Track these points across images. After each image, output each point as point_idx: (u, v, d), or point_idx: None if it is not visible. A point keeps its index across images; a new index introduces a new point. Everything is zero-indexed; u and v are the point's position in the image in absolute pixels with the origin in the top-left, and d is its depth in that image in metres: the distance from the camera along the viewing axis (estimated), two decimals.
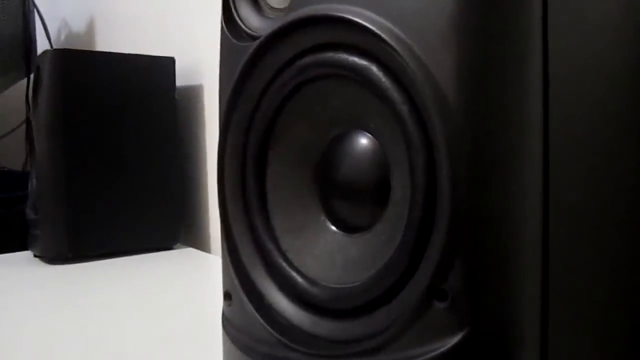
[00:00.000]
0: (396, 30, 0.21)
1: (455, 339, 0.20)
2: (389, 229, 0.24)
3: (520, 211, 0.20)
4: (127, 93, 0.79)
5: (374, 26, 0.22)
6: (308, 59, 0.25)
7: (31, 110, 0.78)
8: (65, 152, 0.75)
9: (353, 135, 0.26)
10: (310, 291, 0.26)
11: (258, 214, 0.29)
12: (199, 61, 0.88)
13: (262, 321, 0.27)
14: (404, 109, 0.21)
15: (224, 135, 0.29)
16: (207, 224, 0.88)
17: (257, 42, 0.27)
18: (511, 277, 0.20)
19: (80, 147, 0.76)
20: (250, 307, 0.28)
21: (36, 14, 1.24)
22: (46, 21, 1.24)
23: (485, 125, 0.20)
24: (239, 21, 0.29)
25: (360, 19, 0.22)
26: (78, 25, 1.31)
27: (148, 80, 0.80)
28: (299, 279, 0.27)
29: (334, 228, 0.27)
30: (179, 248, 0.86)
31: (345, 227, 0.27)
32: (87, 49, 1.22)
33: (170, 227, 0.86)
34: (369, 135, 0.25)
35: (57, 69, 0.73)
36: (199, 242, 0.90)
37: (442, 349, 0.20)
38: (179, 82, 0.85)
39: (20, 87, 1.25)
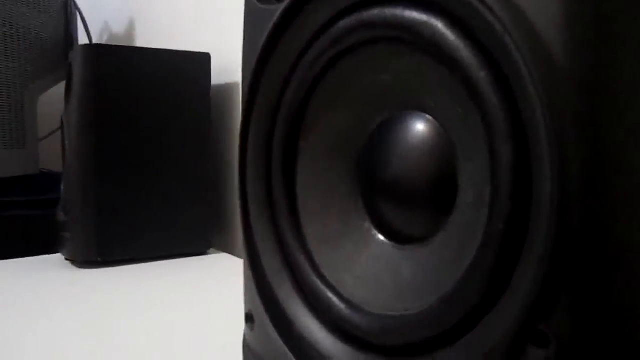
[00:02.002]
0: None
1: None
2: (455, 243, 0.18)
3: None
4: (159, 90, 0.75)
5: None
6: (348, 20, 0.20)
7: (64, 109, 0.76)
8: (95, 153, 0.72)
9: (406, 118, 0.20)
10: (350, 318, 0.20)
11: (286, 219, 0.23)
12: (235, 58, 0.84)
13: (290, 354, 0.21)
14: (482, 76, 0.15)
15: (246, 122, 0.24)
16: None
17: (285, 2, 0.21)
18: None
19: (111, 147, 0.73)
20: (275, 335, 0.22)
21: (78, 15, 1.24)
22: (88, 22, 1.24)
23: (611, 98, 0.13)
24: None
25: None
26: (119, 25, 1.31)
27: (182, 77, 0.77)
28: (337, 302, 0.21)
29: (381, 238, 0.21)
30: (212, 253, 0.83)
31: (396, 237, 0.21)
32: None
33: (203, 232, 0.82)
34: (429, 117, 0.19)
35: (88, 65, 0.71)
36: (233, 247, 0.86)
37: None
38: (214, 79, 0.81)
39: (62, 89, 1.25)
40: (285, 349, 0.21)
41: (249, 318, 0.24)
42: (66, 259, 0.77)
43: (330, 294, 0.21)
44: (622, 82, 0.14)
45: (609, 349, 0.14)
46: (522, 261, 0.15)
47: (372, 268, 0.21)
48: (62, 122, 0.77)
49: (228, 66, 0.85)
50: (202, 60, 0.78)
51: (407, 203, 0.20)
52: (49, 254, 0.85)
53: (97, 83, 0.70)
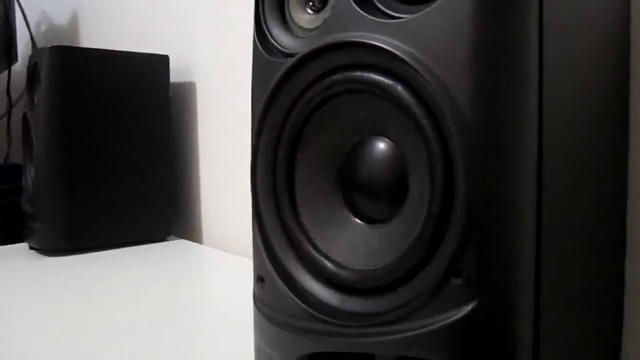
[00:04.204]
0: (420, 55, 0.26)
1: (468, 308, 0.25)
2: (407, 222, 0.29)
3: (520, 213, 0.25)
4: (122, 90, 0.81)
5: (400, 52, 0.26)
6: (338, 76, 0.30)
7: (27, 106, 0.79)
8: (63, 147, 0.77)
9: (374, 140, 0.31)
10: (338, 273, 0.31)
11: (288, 209, 0.33)
12: (191, 59, 0.91)
13: (295, 299, 0.31)
14: (425, 122, 0.26)
15: (257, 140, 0.33)
16: (198, 216, 0.91)
17: (292, 60, 0.31)
18: (512, 262, 0.25)
19: (78, 142, 0.78)
20: (283, 288, 0.32)
21: (17, 6, 1.23)
22: (26, 12, 1.24)
23: (496, 138, 0.25)
24: (270, 37, 0.33)
25: (389, 46, 0.27)
26: (60, 18, 1.31)
27: (143, 78, 0.83)
28: (328, 263, 0.31)
29: (356, 220, 0.32)
30: (171, 240, 0.89)
31: (367, 219, 0.31)
32: (70, 43, 1.22)
33: (163, 220, 0.88)
34: (389, 141, 0.30)
35: (55, 65, 0.75)
36: (190, 233, 0.93)
37: (458, 316, 0.25)
38: (172, 79, 0.88)
39: (1, 80, 1.24)
40: (293, 297, 0.31)
41: (260, 279, 0.34)
42: (31, 248, 0.81)
43: (323, 259, 0.31)
44: (506, 133, 0.25)
45: (494, 279, 0.25)
46: (448, 230, 0.26)
47: (351, 240, 0.31)
48: (24, 118, 0.80)
49: (183, 65, 0.91)
50: (161, 62, 0.84)
51: (374, 197, 0.31)
52: (6, 244, 0.87)
53: (64, 83, 0.75)
